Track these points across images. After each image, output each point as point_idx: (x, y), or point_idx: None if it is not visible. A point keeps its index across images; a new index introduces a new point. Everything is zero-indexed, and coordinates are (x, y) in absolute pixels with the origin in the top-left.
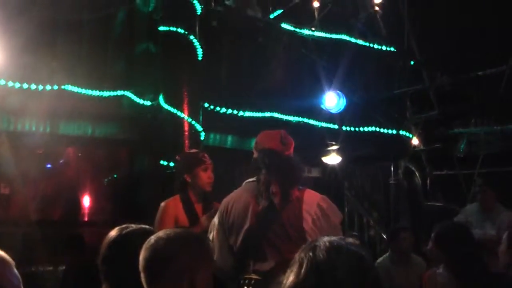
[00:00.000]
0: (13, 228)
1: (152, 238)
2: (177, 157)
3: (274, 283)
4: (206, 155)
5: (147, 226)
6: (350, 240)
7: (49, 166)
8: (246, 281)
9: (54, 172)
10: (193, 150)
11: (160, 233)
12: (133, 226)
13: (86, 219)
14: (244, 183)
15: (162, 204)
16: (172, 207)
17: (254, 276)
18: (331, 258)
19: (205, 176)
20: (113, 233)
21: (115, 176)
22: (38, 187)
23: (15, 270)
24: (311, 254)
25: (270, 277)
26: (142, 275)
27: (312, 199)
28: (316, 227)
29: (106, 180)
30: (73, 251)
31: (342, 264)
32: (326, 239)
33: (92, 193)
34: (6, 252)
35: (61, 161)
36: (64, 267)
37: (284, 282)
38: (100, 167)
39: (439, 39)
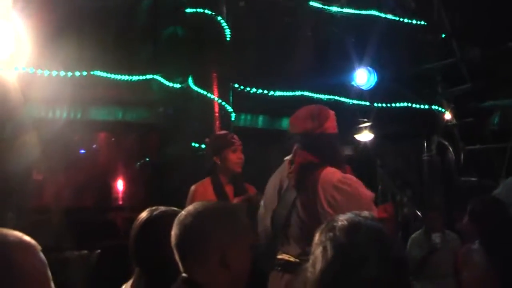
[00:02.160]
0: (46, 214)
1: (183, 214)
2: (206, 140)
3: (299, 269)
4: (235, 136)
5: (177, 209)
6: (366, 214)
7: (81, 151)
8: (278, 261)
9: (86, 158)
10: (222, 132)
11: (190, 207)
12: (163, 208)
13: (118, 203)
14: (284, 160)
15: (192, 187)
16: (202, 190)
17: (286, 257)
18: (352, 237)
19: (234, 157)
20: (144, 215)
21: (147, 159)
22: (70, 173)
23: (41, 255)
24: (331, 234)
25: (297, 260)
26: (174, 251)
27: (328, 179)
28: (333, 209)
29: (137, 164)
30: (105, 236)
31: (364, 240)
32: (342, 217)
33: (124, 178)
34: (39, 237)
35: (93, 147)
36: (98, 252)
37: (310, 269)
38: (131, 151)
39: (470, 11)
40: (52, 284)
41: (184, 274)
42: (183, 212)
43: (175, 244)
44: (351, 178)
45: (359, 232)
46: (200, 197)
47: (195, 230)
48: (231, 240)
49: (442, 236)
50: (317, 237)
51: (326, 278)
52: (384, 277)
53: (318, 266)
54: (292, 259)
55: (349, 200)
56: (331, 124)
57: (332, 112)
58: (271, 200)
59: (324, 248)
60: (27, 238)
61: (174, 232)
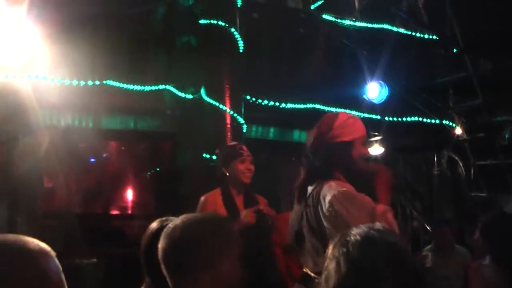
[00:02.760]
0: (56, 221)
1: (170, 227)
2: (216, 151)
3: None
4: (244, 147)
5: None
6: (379, 226)
7: (92, 160)
8: (301, 274)
9: (97, 166)
10: (232, 143)
11: (178, 221)
12: (174, 218)
13: (128, 212)
14: None
15: (202, 198)
16: (211, 201)
17: (308, 271)
18: (366, 253)
19: (243, 168)
20: (154, 225)
21: (157, 169)
22: (81, 181)
23: (56, 260)
24: (344, 250)
25: (313, 275)
26: (162, 265)
27: (326, 194)
28: (332, 224)
29: (148, 173)
30: (115, 244)
31: (379, 256)
32: (355, 231)
33: (135, 187)
34: (49, 244)
35: (104, 155)
36: (107, 260)
37: (323, 284)
38: (142, 160)
39: (483, 26)
40: None
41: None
42: (169, 225)
43: (163, 257)
44: (348, 194)
45: (373, 247)
46: (210, 207)
47: (184, 244)
48: (221, 252)
49: (463, 250)
50: (330, 251)
51: None
52: None
53: (331, 282)
54: (309, 272)
55: (346, 217)
56: (339, 132)
57: (343, 118)
58: (295, 211)
59: (338, 264)
60: (43, 244)
61: (161, 246)
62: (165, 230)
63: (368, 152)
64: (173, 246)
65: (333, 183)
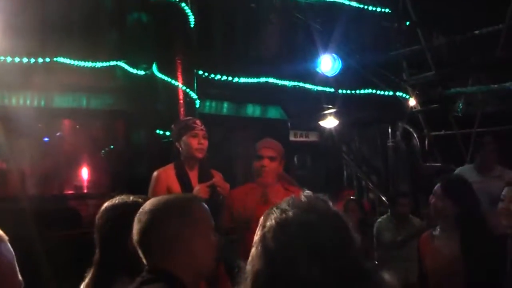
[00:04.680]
0: (10, 204)
1: (140, 211)
2: (172, 126)
3: None
4: (197, 121)
5: (139, 200)
6: (307, 199)
7: (45, 139)
8: None
9: (50, 146)
10: (186, 118)
11: (146, 205)
12: (128, 196)
13: (84, 192)
14: None
15: (155, 173)
16: (164, 176)
17: None
18: (279, 238)
19: (195, 143)
20: (107, 203)
21: (111, 147)
22: (35, 161)
23: (9, 246)
24: (261, 234)
25: None
26: (137, 247)
27: None
28: None
29: (103, 151)
30: (71, 225)
31: (292, 240)
32: (277, 208)
33: (89, 166)
34: (2, 228)
35: (57, 134)
36: (63, 241)
37: (249, 268)
38: (96, 138)
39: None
40: (19, 275)
41: (147, 267)
42: (140, 209)
43: (136, 240)
44: None
45: (285, 231)
46: (162, 182)
47: (152, 226)
48: (188, 229)
49: (417, 221)
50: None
51: (259, 281)
52: (319, 277)
53: (254, 267)
54: None
55: None
56: None
57: None
58: None
59: (256, 249)
60: None
61: (134, 229)
62: (137, 214)
63: None
64: (144, 229)
65: None
